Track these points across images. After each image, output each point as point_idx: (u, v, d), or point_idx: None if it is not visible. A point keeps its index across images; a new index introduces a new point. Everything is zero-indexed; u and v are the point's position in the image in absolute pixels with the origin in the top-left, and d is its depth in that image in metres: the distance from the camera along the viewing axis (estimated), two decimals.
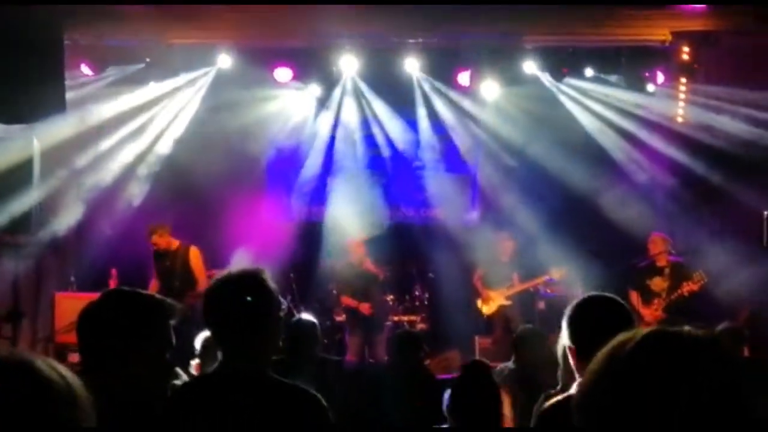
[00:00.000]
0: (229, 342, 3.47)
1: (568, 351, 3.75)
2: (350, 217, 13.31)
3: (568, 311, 3.78)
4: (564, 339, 3.78)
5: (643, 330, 1.58)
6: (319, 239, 13.78)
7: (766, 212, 9.54)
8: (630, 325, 3.66)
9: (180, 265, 11.67)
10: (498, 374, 8.53)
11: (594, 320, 3.66)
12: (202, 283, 11.38)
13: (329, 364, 8.02)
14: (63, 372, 1.51)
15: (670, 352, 1.52)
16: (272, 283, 3.52)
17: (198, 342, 7.50)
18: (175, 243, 11.73)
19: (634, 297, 11.50)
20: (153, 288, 11.50)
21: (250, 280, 3.49)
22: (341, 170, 14.59)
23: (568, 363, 3.79)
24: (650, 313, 11.33)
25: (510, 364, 8.03)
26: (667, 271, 11.47)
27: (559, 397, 3.80)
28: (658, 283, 11.46)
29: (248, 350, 3.43)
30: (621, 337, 1.59)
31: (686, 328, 1.59)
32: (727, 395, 1.46)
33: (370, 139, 14.55)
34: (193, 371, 7.17)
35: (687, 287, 11.20)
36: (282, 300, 3.58)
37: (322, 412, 3.47)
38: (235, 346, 3.45)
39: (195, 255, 11.76)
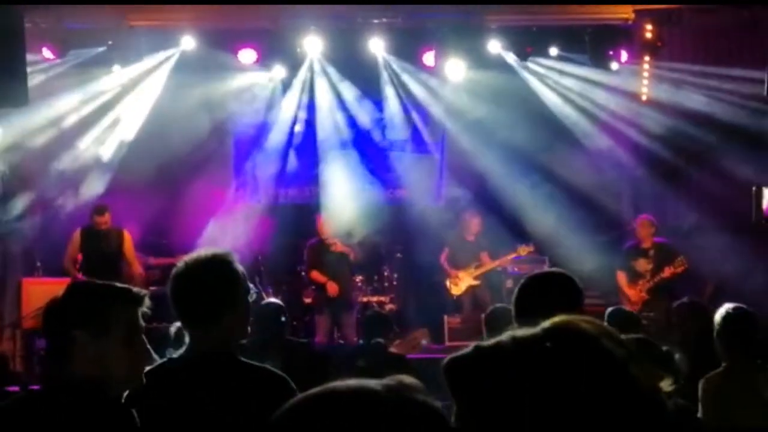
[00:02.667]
0: (196, 326, 3.46)
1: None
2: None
3: (518, 285, 3.85)
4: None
5: (553, 321, 1.54)
6: (287, 222, 13.73)
7: (754, 188, 9.64)
8: (574, 302, 3.72)
9: (114, 248, 11.63)
10: None
11: (538, 295, 3.72)
12: (137, 267, 11.52)
13: (297, 347, 8.03)
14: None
15: (557, 352, 1.47)
16: (240, 267, 3.51)
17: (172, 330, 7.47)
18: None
19: (621, 277, 11.74)
20: (73, 270, 11.45)
21: (218, 263, 3.48)
22: (303, 151, 14.54)
23: None
24: (635, 294, 11.55)
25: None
26: (651, 252, 11.64)
27: None
28: (642, 264, 11.63)
29: (216, 334, 3.42)
30: (544, 324, 1.55)
31: (587, 320, 1.57)
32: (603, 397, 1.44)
33: (336, 120, 14.48)
34: None
35: (669, 271, 11.38)
36: (251, 285, 3.58)
37: (291, 393, 3.47)
38: (203, 330, 3.44)
39: (129, 239, 11.78)
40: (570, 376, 1.43)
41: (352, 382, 1.40)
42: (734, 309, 5.74)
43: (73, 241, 11.70)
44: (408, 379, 1.42)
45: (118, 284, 3.40)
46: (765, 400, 5.36)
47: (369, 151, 14.71)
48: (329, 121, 14.37)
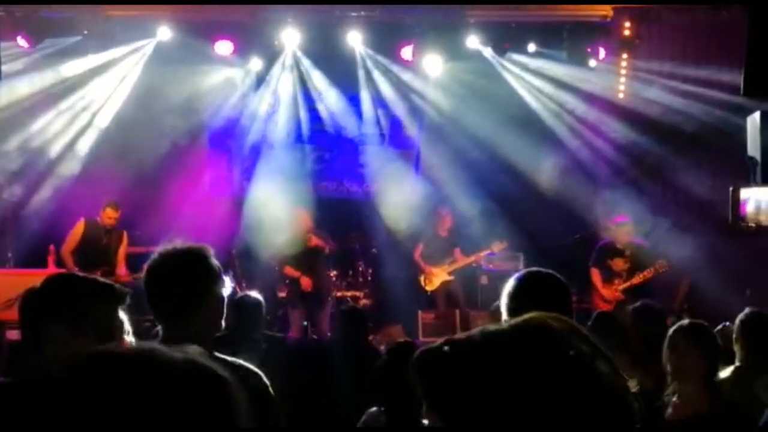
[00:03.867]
0: (170, 319, 3.42)
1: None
2: (274, 192, 13.10)
3: (508, 283, 3.82)
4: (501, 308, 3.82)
5: (523, 317, 1.58)
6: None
7: (731, 188, 9.66)
8: (565, 300, 3.71)
9: (114, 246, 11.60)
10: None
11: (529, 293, 3.70)
12: (122, 270, 11.47)
13: (272, 341, 7.99)
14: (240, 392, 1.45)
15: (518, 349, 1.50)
16: (215, 261, 3.47)
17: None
18: None
19: (596, 275, 11.66)
20: (70, 261, 11.33)
21: (193, 257, 3.43)
22: (278, 145, 14.45)
23: None
24: (610, 293, 11.48)
25: None
26: (627, 252, 11.60)
27: None
28: (619, 264, 11.59)
29: (189, 328, 3.37)
30: (513, 320, 1.58)
31: (556, 317, 1.58)
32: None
33: (312, 114, 14.43)
34: None
35: (649, 273, 11.34)
36: (226, 279, 3.53)
37: (264, 388, 3.45)
38: (176, 323, 3.39)
39: (126, 242, 11.79)
40: (537, 371, 1.46)
41: (144, 344, 1.45)
42: (752, 312, 5.89)
43: (75, 232, 11.57)
44: (197, 348, 1.43)
45: (102, 280, 3.35)
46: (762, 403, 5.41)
47: (343, 145, 14.67)
48: (304, 115, 14.32)
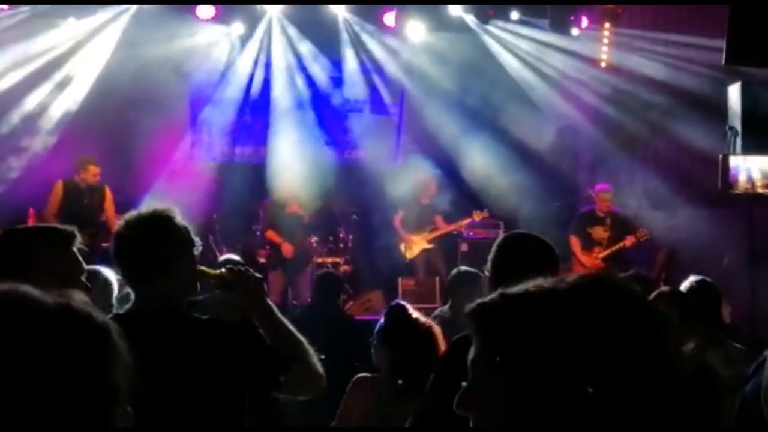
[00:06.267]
0: (139, 282, 3.41)
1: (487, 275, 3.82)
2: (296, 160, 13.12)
3: (499, 239, 3.82)
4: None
5: (581, 275, 1.56)
6: (244, 180, 13.63)
7: (721, 156, 9.70)
8: (553, 266, 3.71)
9: (97, 204, 11.48)
10: (436, 319, 8.46)
11: (520, 254, 3.71)
12: (115, 225, 11.35)
13: None
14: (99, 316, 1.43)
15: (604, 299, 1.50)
16: (182, 224, 3.45)
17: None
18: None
19: (575, 243, 11.74)
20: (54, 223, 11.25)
21: (161, 219, 3.41)
22: (261, 110, 14.39)
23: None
24: (590, 261, 11.59)
25: (446, 309, 7.87)
26: (608, 221, 11.69)
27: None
28: (599, 232, 11.68)
29: (159, 292, 3.37)
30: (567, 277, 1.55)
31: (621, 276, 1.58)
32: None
33: (294, 79, 14.34)
34: None
35: (630, 240, 11.42)
36: (196, 239, 3.51)
37: (239, 322, 3.47)
38: (146, 285, 3.38)
39: (110, 195, 11.64)
40: (606, 322, 1.45)
41: (15, 285, 1.43)
42: (699, 282, 5.71)
43: (55, 193, 11.42)
44: (82, 296, 1.44)
45: (45, 225, 3.34)
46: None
47: (326, 111, 14.61)
48: (286, 80, 14.22)
